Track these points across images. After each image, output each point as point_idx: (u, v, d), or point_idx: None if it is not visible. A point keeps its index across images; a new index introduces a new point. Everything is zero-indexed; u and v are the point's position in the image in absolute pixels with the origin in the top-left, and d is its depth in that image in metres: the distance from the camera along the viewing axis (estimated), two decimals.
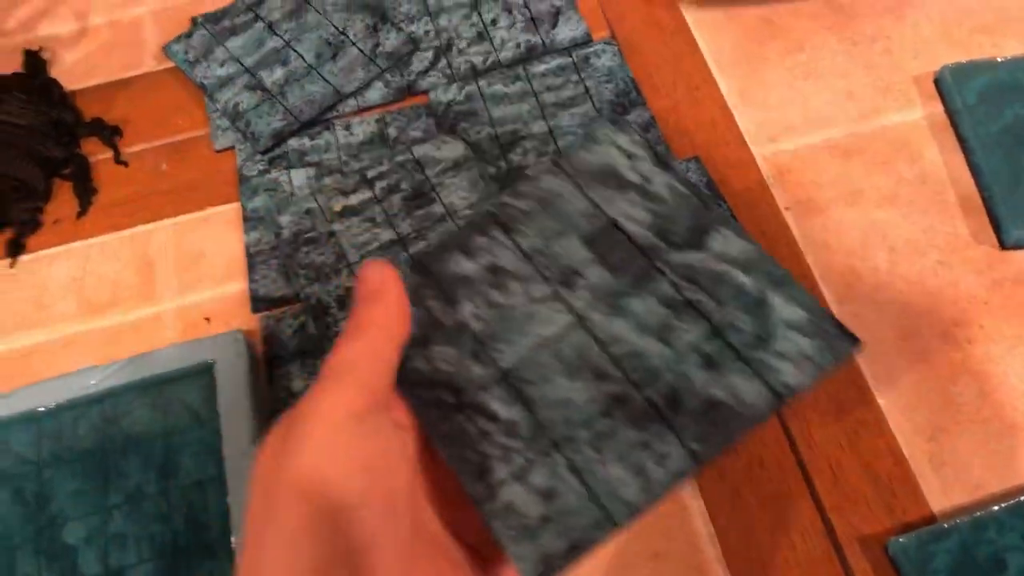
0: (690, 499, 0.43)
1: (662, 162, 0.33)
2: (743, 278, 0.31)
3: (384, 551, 0.25)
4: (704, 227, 0.32)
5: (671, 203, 0.32)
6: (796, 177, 0.51)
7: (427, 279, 0.33)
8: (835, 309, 0.47)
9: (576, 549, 0.28)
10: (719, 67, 0.56)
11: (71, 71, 0.61)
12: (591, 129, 0.34)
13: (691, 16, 0.58)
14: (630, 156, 0.34)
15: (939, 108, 0.53)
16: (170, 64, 0.60)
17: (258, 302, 0.49)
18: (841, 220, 0.50)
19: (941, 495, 0.42)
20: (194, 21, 0.62)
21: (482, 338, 0.31)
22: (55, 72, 0.61)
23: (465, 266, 0.33)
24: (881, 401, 0.45)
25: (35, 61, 0.61)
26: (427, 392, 0.30)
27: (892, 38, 0.56)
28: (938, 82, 0.54)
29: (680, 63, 0.56)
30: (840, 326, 0.29)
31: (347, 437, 0.25)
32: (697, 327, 0.30)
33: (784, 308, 0.30)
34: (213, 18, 0.61)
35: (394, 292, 0.30)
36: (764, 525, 0.42)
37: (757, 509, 0.43)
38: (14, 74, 0.59)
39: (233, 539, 0.41)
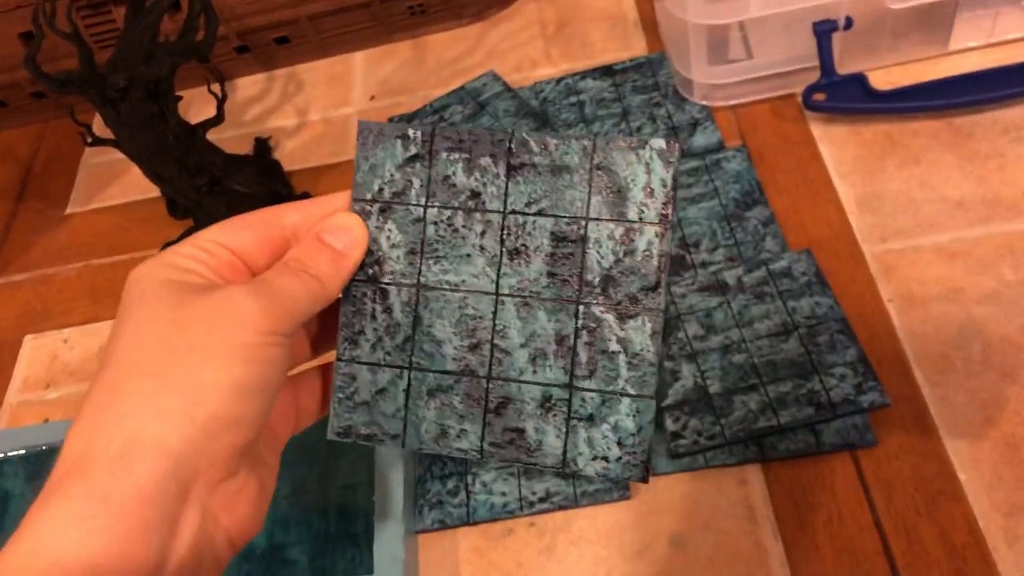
0: (770, 542, 0.48)
1: (665, 220, 0.34)
2: (621, 368, 0.34)
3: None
4: (638, 303, 0.34)
5: (637, 264, 0.34)
6: (901, 273, 0.56)
7: (427, 158, 0.35)
8: (926, 391, 0.51)
9: (370, 439, 0.36)
10: (839, 175, 0.62)
11: (290, 155, 0.75)
12: (645, 138, 0.34)
13: (817, 130, 0.65)
14: (650, 189, 0.34)
15: None
16: None
17: None
18: (940, 314, 0.54)
19: (1014, 568, 0.45)
20: (390, 120, 0.74)
21: (428, 242, 0.35)
22: (278, 155, 0.75)
23: (459, 176, 0.35)
24: (962, 476, 0.48)
25: (263, 146, 0.75)
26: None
27: (1007, 156, 0.60)
28: None
29: (804, 170, 0.63)
30: (647, 466, 0.34)
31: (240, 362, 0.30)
32: (559, 373, 0.35)
33: (624, 414, 0.34)
34: (406, 119, 0.74)
35: (344, 276, 0.35)
36: (838, 575, 0.46)
37: (832, 559, 0.47)
38: (247, 155, 0.73)
39: (375, 532, 0.49)
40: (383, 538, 0.49)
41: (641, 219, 0.34)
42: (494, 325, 0.35)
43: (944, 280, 0.55)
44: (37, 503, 0.27)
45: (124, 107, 0.58)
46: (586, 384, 0.35)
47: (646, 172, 0.34)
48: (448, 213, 0.35)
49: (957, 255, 0.56)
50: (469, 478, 0.53)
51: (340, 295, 0.36)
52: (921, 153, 0.62)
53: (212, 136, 0.66)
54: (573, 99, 0.71)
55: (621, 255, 0.34)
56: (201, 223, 0.68)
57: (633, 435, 0.34)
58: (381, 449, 0.52)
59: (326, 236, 0.35)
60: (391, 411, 0.36)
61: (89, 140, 0.62)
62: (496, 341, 0.35)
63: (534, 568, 0.50)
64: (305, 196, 0.71)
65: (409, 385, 0.36)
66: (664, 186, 0.34)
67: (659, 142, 0.34)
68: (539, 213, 0.35)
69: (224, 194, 0.66)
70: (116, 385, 0.29)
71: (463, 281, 0.35)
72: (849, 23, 0.62)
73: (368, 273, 0.36)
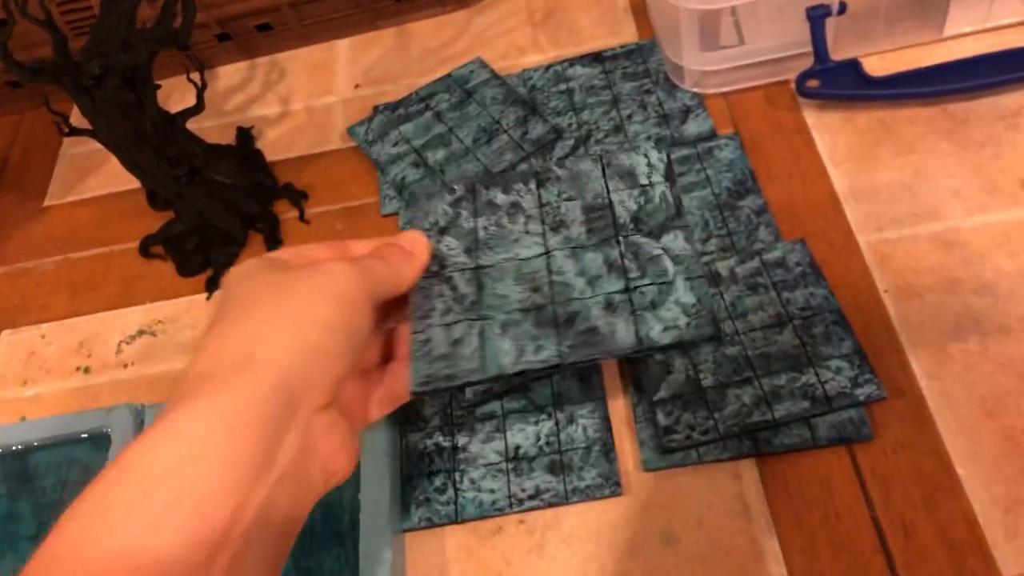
0: (767, 540, 0.47)
1: (670, 178, 0.46)
2: (667, 264, 0.42)
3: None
4: (667, 227, 0.44)
5: (657, 205, 0.45)
6: (897, 264, 0.55)
7: (471, 197, 0.47)
8: (923, 384, 0.50)
9: (452, 379, 0.40)
10: (833, 163, 0.61)
11: (273, 145, 0.74)
12: (637, 143, 0.44)
13: (811, 118, 0.64)
14: (651, 166, 0.46)
15: None
16: (352, 143, 0.71)
17: None
18: (937, 304, 0.53)
19: (1013, 563, 0.44)
20: (375, 109, 0.73)
21: (480, 242, 0.45)
22: (260, 144, 0.74)
23: (499, 197, 0.47)
24: (960, 471, 0.47)
25: (245, 136, 0.74)
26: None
27: (1003, 144, 0.59)
28: None
29: (797, 158, 0.62)
30: (716, 323, 0.40)
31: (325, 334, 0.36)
32: (617, 283, 0.42)
33: (683, 292, 0.41)
34: (391, 107, 0.72)
35: (415, 271, 0.43)
36: (835, 572, 0.45)
37: (829, 557, 0.46)
38: (228, 145, 0.72)
39: (361, 530, 0.48)
40: (369, 537, 0.47)
41: (651, 182, 0.46)
42: (549, 268, 0.43)
43: (940, 270, 0.54)
44: (171, 403, 0.32)
45: (99, 95, 0.56)
46: (642, 282, 0.42)
47: (645, 157, 0.47)
48: (495, 218, 0.46)
49: (953, 244, 0.55)
50: (457, 475, 0.51)
51: (409, 290, 0.43)
52: (916, 140, 0.61)
53: (192, 125, 0.64)
54: (562, 86, 0.70)
55: (643, 203, 0.45)
56: (182, 214, 0.66)
57: (695, 304, 0.40)
58: (366, 447, 0.51)
59: (399, 242, 0.44)
60: (468, 353, 0.41)
61: (66, 130, 0.60)
62: (554, 279, 0.43)
63: (524, 567, 0.49)
64: (289, 186, 0.69)
65: (483, 330, 0.42)
66: (661, 161, 0.47)
67: (649, 143, 0.46)
68: (569, 199, 0.46)
69: (205, 184, 0.64)
70: (233, 319, 0.35)
71: (516, 254, 0.44)
72: (843, 8, 0.60)
73: (432, 270, 0.44)
